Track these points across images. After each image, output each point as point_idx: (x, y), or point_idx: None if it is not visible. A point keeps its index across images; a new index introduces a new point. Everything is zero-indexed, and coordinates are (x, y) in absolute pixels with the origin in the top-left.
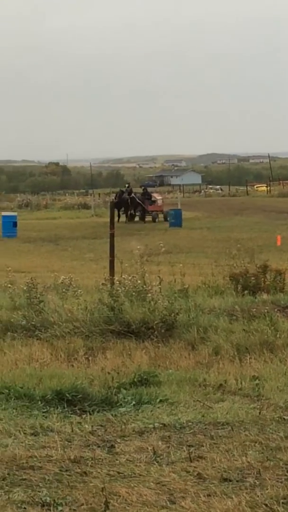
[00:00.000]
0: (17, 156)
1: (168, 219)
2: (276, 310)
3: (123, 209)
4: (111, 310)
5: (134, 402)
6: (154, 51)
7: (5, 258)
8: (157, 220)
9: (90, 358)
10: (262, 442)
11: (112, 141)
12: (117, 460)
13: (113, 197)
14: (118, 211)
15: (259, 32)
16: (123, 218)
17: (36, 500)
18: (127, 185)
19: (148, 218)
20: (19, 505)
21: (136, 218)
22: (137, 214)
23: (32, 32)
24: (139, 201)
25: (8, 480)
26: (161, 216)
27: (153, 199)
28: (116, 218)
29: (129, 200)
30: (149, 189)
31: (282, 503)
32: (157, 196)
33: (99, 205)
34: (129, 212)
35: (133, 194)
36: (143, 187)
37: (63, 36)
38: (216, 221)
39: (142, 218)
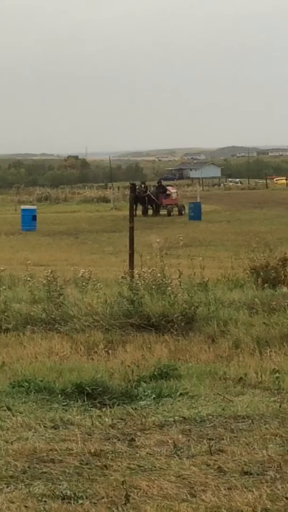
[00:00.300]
0: (36, 149)
1: (188, 212)
2: None
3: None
4: (130, 303)
5: (154, 396)
6: (174, 44)
7: (25, 252)
8: (172, 213)
9: (110, 351)
10: (283, 435)
11: (131, 135)
12: (137, 453)
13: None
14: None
15: (285, 24)
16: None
17: (57, 493)
18: (142, 184)
19: (163, 211)
20: (39, 498)
21: (150, 212)
22: (149, 208)
23: (52, 25)
24: (153, 197)
25: (29, 473)
26: (175, 209)
27: (167, 192)
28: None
29: (146, 198)
30: (165, 182)
31: None
32: (171, 190)
33: (118, 199)
34: (143, 207)
35: (148, 192)
36: (158, 181)
37: (81, 29)
38: (235, 214)
39: (157, 212)
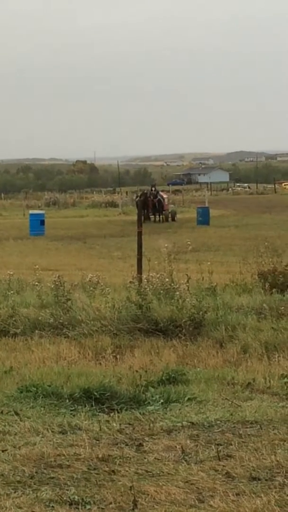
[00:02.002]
0: (45, 154)
1: (196, 216)
2: None
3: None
4: (139, 308)
5: (162, 401)
6: (182, 48)
7: (33, 256)
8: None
9: (118, 356)
10: None
11: (140, 139)
12: (145, 458)
13: (136, 196)
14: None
15: None
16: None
17: (64, 498)
18: (153, 188)
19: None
20: (47, 503)
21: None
22: (152, 214)
23: (61, 30)
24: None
25: (36, 478)
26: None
27: (159, 198)
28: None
29: (157, 204)
30: (173, 187)
31: None
32: (163, 195)
33: (127, 203)
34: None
35: (159, 196)
36: (151, 186)
37: (89, 35)
38: (244, 219)
39: (160, 217)
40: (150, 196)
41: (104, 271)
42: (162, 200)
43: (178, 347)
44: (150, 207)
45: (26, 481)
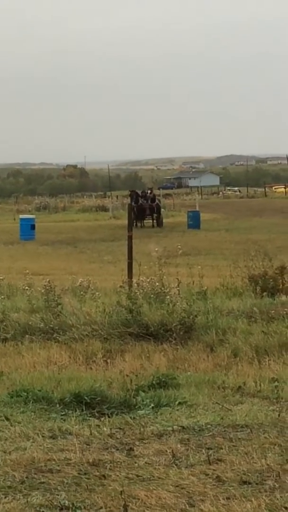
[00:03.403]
0: (35, 158)
1: (187, 220)
2: None
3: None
4: (129, 312)
5: (152, 405)
6: (171, 52)
7: (23, 261)
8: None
9: (108, 360)
10: (282, 444)
11: (130, 143)
12: (135, 463)
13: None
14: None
15: (279, 33)
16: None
17: (55, 503)
18: (149, 191)
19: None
20: (37, 508)
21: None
22: (149, 219)
23: (51, 35)
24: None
25: (27, 483)
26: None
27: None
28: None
29: (155, 208)
30: (164, 191)
31: None
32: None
33: (117, 208)
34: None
35: (157, 201)
36: (148, 189)
37: (80, 40)
38: (234, 223)
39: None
40: (147, 200)
41: (95, 275)
42: (159, 204)
43: (169, 351)
44: (146, 212)
45: (17, 486)
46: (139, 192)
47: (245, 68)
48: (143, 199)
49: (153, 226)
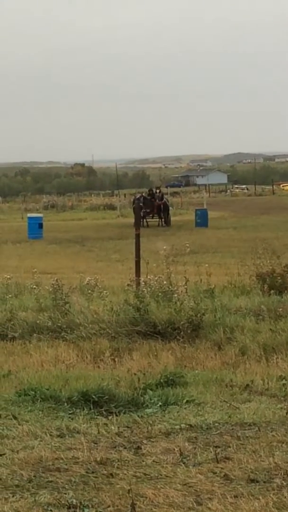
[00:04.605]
0: (43, 157)
1: (194, 218)
2: None
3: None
4: (137, 311)
5: (160, 403)
6: (180, 51)
7: (31, 260)
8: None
9: (116, 359)
10: None
11: (138, 142)
12: (143, 461)
13: (134, 197)
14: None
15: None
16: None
17: (62, 502)
18: (157, 190)
19: (154, 221)
20: (45, 507)
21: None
22: (157, 218)
23: (57, 34)
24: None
25: (34, 482)
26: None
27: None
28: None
29: (162, 206)
30: (172, 189)
31: None
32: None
33: (125, 206)
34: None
35: (164, 199)
36: (156, 188)
37: (85, 38)
38: (242, 221)
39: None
40: (156, 199)
41: (102, 274)
42: (167, 203)
43: (176, 350)
44: (155, 210)
45: (24, 485)
46: (145, 194)
47: (252, 66)
48: (150, 198)
49: (159, 225)
